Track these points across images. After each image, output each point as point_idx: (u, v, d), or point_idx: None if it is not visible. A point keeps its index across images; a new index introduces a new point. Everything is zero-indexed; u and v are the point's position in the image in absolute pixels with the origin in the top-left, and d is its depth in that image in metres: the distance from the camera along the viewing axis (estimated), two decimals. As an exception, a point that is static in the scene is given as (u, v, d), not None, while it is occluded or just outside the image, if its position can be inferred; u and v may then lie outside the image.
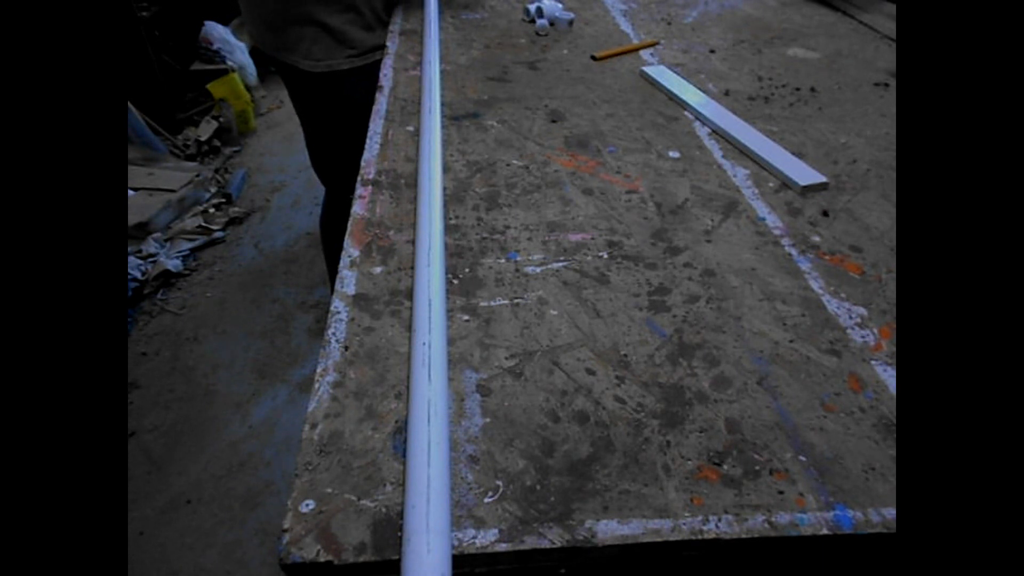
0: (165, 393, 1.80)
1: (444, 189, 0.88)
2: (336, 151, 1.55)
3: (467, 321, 0.69)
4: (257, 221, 2.52)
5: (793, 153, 0.99)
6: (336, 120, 1.47)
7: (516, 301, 0.71)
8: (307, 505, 0.51)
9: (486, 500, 0.52)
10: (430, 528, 0.46)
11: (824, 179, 0.92)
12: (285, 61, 1.39)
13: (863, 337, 0.69)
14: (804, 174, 0.93)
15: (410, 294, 0.71)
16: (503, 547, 0.49)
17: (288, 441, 1.68)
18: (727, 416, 0.60)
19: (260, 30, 1.40)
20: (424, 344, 0.61)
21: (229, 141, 2.97)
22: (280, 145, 3.03)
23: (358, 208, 0.85)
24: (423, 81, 1.12)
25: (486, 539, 0.49)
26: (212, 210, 2.51)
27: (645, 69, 1.23)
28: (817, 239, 0.83)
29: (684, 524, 0.51)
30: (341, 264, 0.75)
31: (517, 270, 0.76)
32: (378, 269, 0.75)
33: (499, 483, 0.53)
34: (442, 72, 1.21)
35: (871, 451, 0.57)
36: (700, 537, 0.50)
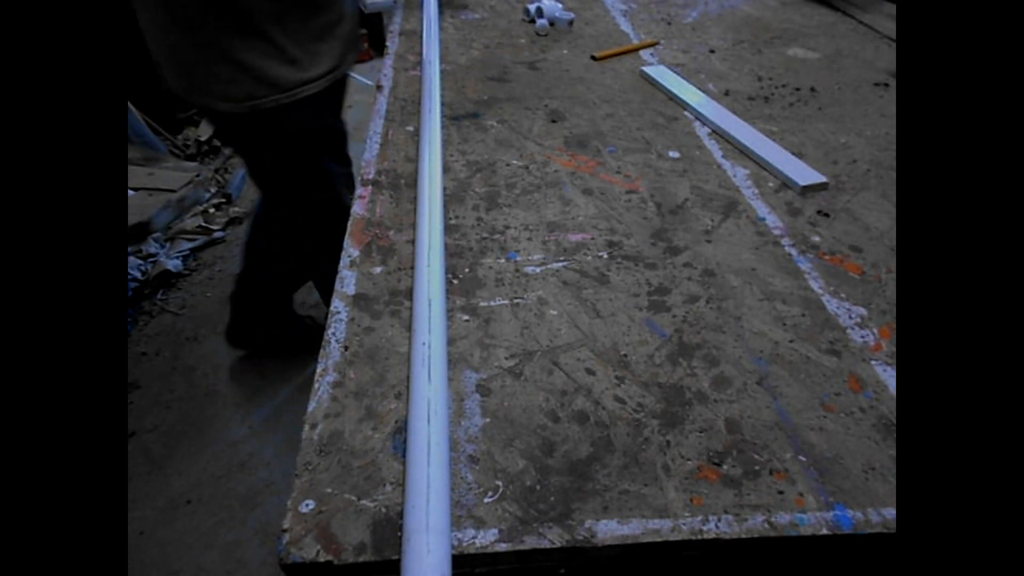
0: (165, 393, 1.80)
1: (444, 189, 0.88)
2: (273, 181, 1.41)
3: (467, 321, 0.69)
4: (257, 221, 2.52)
5: (793, 153, 0.99)
6: (267, 156, 1.30)
7: (516, 301, 0.71)
8: (307, 505, 0.51)
9: (486, 500, 0.52)
10: (430, 528, 0.46)
11: (824, 179, 0.92)
12: (202, 104, 1.18)
13: (863, 337, 0.69)
14: (804, 174, 0.93)
15: (410, 294, 0.71)
16: (503, 547, 0.49)
17: (288, 441, 1.68)
18: (727, 416, 0.60)
19: (170, 71, 1.17)
20: (424, 344, 0.61)
21: (229, 141, 2.97)
22: (280, 145, 3.03)
23: (358, 208, 0.85)
24: (423, 81, 1.12)
25: (486, 539, 0.49)
26: (212, 210, 2.51)
27: (645, 69, 1.23)
28: (817, 239, 0.83)
29: (684, 524, 0.51)
30: (341, 264, 0.75)
31: (517, 270, 0.76)
32: (378, 269, 0.75)
33: (499, 483, 0.53)
34: (442, 72, 1.21)
35: (871, 451, 0.57)
36: (700, 537, 0.50)
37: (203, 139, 2.86)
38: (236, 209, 2.56)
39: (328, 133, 1.32)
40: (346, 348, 0.65)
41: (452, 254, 0.78)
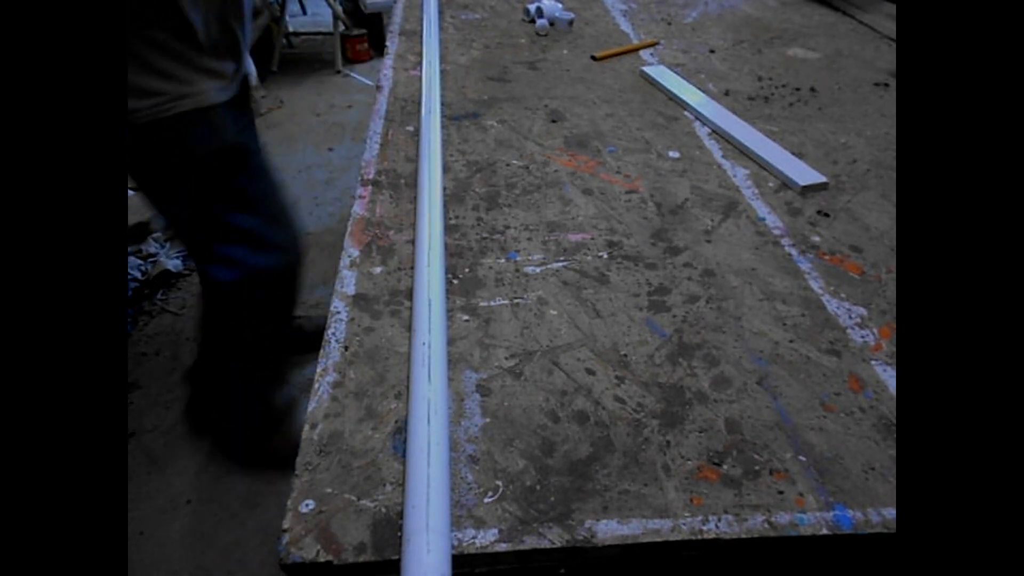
0: (165, 393, 1.80)
1: (444, 189, 0.88)
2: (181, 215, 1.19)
3: (467, 321, 0.69)
4: (257, 221, 2.51)
5: (793, 153, 0.99)
6: (163, 191, 1.15)
7: (516, 301, 0.71)
8: (307, 505, 0.51)
9: (486, 500, 0.52)
10: (430, 528, 0.46)
11: (824, 179, 0.92)
12: None
13: (863, 337, 0.69)
14: (804, 174, 0.93)
15: (410, 294, 0.71)
16: (503, 547, 0.49)
17: (288, 441, 1.68)
18: (727, 416, 0.60)
19: None
20: (424, 344, 0.61)
21: (229, 141, 2.96)
22: (280, 145, 3.03)
23: (358, 208, 0.85)
24: (423, 81, 1.12)
25: (486, 539, 0.49)
26: (212, 210, 2.50)
27: (645, 69, 1.23)
28: (817, 239, 0.83)
29: (684, 524, 0.51)
30: (341, 264, 0.75)
31: (517, 270, 0.76)
32: (378, 269, 0.75)
33: (499, 483, 0.53)
34: (442, 72, 1.21)
35: (871, 451, 0.57)
36: (700, 537, 0.50)
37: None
38: (236, 209, 2.55)
39: (233, 156, 1.12)
40: (346, 348, 0.65)
41: (452, 254, 0.78)
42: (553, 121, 1.07)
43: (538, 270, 0.76)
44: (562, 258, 0.78)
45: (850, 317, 0.71)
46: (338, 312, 0.69)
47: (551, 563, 0.50)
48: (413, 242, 0.78)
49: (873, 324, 0.70)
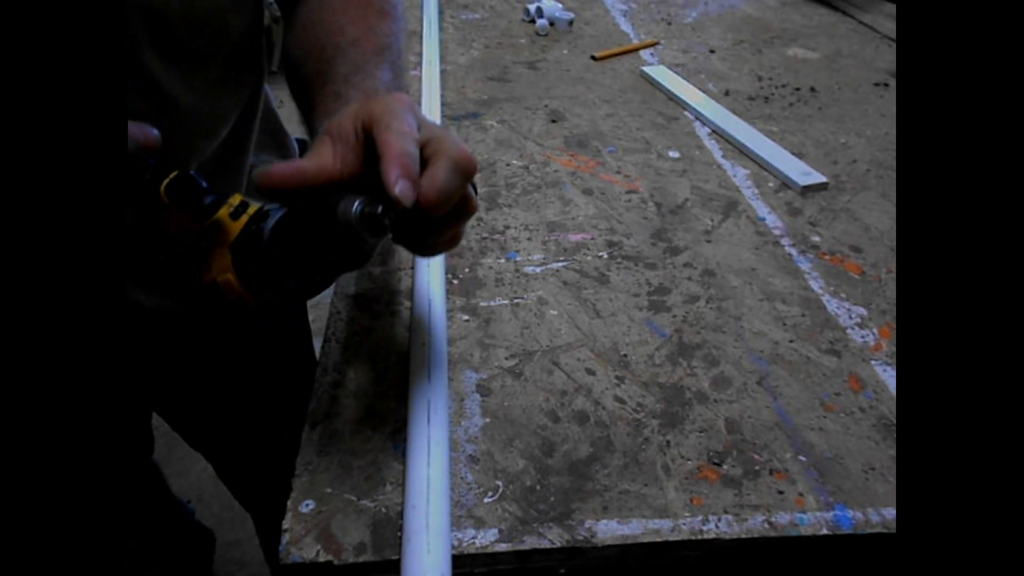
0: (165, 393, 1.80)
1: (444, 189, 0.88)
2: None
3: (467, 321, 0.69)
4: (257, 221, 2.51)
5: (793, 153, 0.99)
6: None
7: (516, 301, 0.71)
8: (307, 505, 0.51)
9: (486, 500, 0.52)
10: (430, 528, 0.46)
11: (824, 179, 0.92)
12: None
13: (863, 337, 0.69)
14: (804, 174, 0.93)
15: (410, 294, 0.71)
16: (503, 547, 0.49)
17: (288, 441, 1.68)
18: (727, 416, 0.60)
19: None
20: (424, 344, 0.61)
21: (229, 141, 2.96)
22: (280, 145, 3.03)
23: (358, 208, 0.84)
24: (423, 81, 1.12)
25: (486, 539, 0.49)
26: (212, 210, 2.50)
27: (645, 69, 1.23)
28: (817, 239, 0.83)
29: (684, 524, 0.51)
30: (341, 264, 0.75)
31: (517, 270, 0.76)
32: (378, 269, 0.75)
33: (499, 483, 0.53)
34: (442, 72, 1.21)
35: (871, 451, 0.57)
36: (700, 537, 0.50)
37: (203, 139, 2.85)
38: (236, 209, 2.55)
39: None
40: (346, 348, 0.65)
41: (452, 254, 0.78)
42: (553, 121, 1.07)
43: (538, 270, 0.76)
44: (562, 258, 0.78)
45: (850, 317, 0.71)
46: (338, 312, 0.69)
47: (551, 563, 0.50)
48: (413, 242, 0.78)
49: (873, 324, 0.71)
